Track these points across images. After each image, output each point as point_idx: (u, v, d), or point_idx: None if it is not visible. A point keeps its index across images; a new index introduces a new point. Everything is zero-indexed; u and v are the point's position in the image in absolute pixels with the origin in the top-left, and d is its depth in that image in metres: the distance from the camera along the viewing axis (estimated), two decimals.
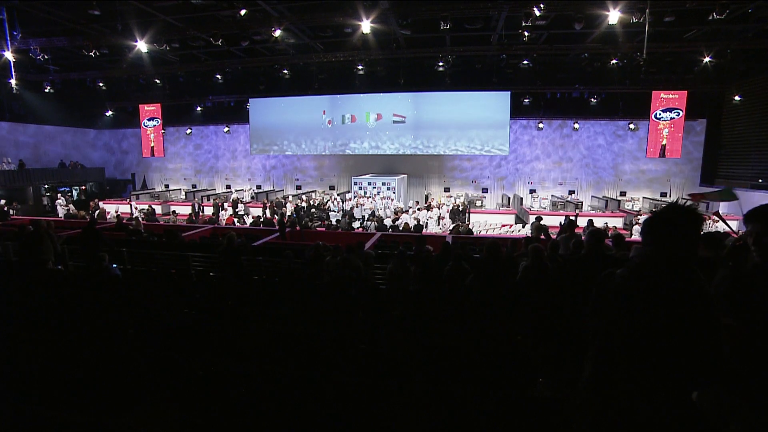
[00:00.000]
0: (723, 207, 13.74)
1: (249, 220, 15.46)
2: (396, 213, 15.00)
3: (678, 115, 15.68)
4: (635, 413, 1.36)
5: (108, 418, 2.46)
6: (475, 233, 12.70)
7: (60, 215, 16.57)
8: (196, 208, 17.22)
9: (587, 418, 1.49)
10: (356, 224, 14.76)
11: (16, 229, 8.34)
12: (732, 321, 1.52)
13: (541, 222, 9.84)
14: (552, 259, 4.69)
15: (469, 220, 15.24)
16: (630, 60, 13.11)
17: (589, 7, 9.74)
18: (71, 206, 17.64)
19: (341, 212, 16.01)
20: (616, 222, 14.65)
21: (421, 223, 13.37)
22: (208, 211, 17.38)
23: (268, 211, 16.13)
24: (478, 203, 17.80)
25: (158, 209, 17.40)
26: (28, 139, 19.91)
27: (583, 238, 5.93)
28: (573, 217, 12.66)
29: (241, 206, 17.27)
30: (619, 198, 17.54)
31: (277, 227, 11.71)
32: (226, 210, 16.84)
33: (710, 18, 9.34)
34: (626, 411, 1.38)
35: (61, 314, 4.11)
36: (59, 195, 19.29)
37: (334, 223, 14.65)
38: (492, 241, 4.59)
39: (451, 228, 13.03)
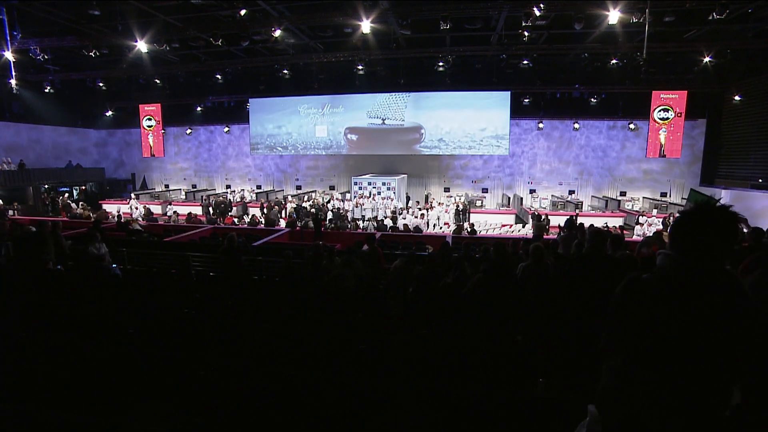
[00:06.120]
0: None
1: (248, 220, 15.44)
2: (393, 213, 14.99)
3: (678, 116, 15.68)
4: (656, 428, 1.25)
5: (108, 418, 2.46)
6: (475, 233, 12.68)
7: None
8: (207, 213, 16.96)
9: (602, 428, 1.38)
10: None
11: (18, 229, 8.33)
12: None
13: (541, 220, 9.86)
14: (552, 258, 4.69)
15: (468, 220, 15.24)
16: (630, 60, 13.10)
17: (589, 7, 9.73)
18: (71, 204, 17.64)
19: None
20: (616, 222, 14.65)
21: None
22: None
23: (265, 210, 16.11)
24: (478, 203, 17.78)
25: (158, 209, 17.40)
26: (28, 139, 19.89)
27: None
28: (573, 217, 12.63)
29: (234, 209, 17.06)
30: (619, 198, 17.53)
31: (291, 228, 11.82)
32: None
33: (710, 18, 9.33)
34: (645, 426, 1.26)
35: (60, 314, 4.11)
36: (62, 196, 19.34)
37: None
38: (497, 241, 4.61)
39: (454, 228, 13.03)
